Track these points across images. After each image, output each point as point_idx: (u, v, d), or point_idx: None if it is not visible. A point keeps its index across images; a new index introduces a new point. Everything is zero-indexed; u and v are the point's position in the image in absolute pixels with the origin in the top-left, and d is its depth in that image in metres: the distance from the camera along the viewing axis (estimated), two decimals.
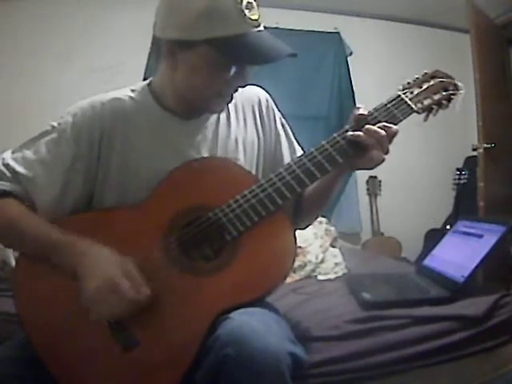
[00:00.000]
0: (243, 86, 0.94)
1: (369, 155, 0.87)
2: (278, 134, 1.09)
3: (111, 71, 2.62)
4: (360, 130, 0.88)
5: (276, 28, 2.83)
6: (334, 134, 0.91)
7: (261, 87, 1.11)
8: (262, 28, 0.88)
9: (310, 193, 1.04)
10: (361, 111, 0.90)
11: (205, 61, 0.87)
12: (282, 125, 1.11)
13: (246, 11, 0.84)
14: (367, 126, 0.88)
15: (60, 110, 0.98)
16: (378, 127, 0.87)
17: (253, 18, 0.86)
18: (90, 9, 2.75)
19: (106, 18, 2.78)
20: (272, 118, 1.09)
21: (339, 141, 0.90)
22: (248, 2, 0.85)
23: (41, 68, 2.66)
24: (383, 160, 0.88)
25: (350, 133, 0.89)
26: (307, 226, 1.12)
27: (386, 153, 0.88)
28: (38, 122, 0.99)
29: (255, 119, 1.07)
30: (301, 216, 1.07)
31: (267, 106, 1.09)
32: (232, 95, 0.94)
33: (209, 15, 0.83)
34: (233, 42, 0.84)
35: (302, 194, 1.04)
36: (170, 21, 0.87)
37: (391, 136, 0.88)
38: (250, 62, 0.90)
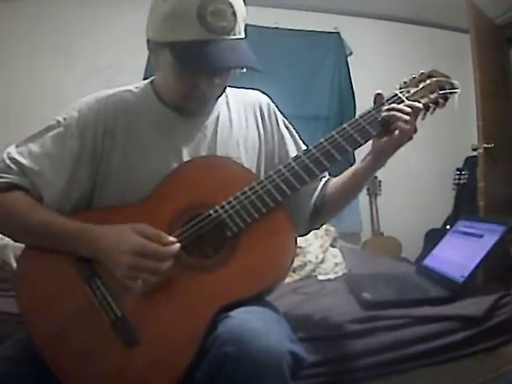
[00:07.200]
0: (221, 93, 0.96)
1: (397, 131, 0.90)
2: (281, 136, 1.10)
3: (111, 71, 2.61)
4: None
5: (276, 28, 2.78)
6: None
7: (260, 91, 1.12)
8: (231, 37, 0.86)
9: (337, 186, 1.04)
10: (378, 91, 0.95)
11: (168, 63, 0.90)
12: (286, 127, 1.12)
13: (210, 18, 0.83)
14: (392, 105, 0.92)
15: (60, 110, 0.98)
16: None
17: (218, 25, 0.84)
18: (90, 9, 2.74)
19: (106, 18, 2.78)
20: (274, 120, 1.10)
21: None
22: (216, 9, 0.83)
23: (41, 68, 2.66)
24: (411, 135, 0.90)
25: (386, 107, 0.92)
26: (324, 224, 1.12)
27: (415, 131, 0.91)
28: (38, 122, 0.98)
29: (257, 121, 1.08)
30: (322, 213, 1.07)
31: (268, 109, 1.10)
32: (211, 98, 0.96)
33: (171, 18, 0.85)
34: (188, 48, 0.84)
35: (325, 191, 1.06)
36: (148, 21, 0.92)
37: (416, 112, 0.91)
38: (198, 71, 0.89)
